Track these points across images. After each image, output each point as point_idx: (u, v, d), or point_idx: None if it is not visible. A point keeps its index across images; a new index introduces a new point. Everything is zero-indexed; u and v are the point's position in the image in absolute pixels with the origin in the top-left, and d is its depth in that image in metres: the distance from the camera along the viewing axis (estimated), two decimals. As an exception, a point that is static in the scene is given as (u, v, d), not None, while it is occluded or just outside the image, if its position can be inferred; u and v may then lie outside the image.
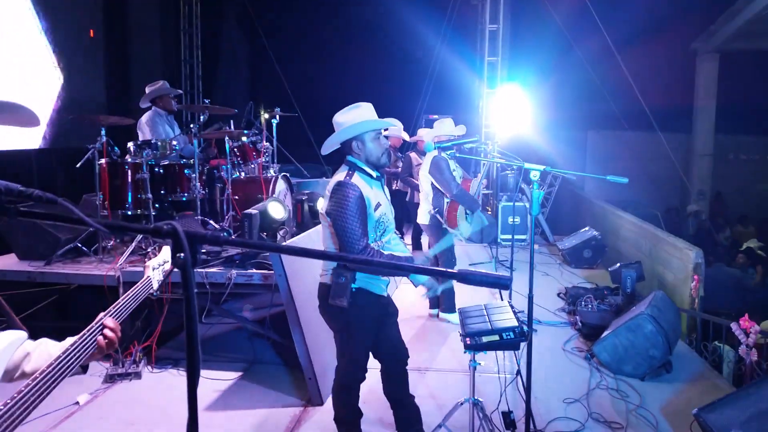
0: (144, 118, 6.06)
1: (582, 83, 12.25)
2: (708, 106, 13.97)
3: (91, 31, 8.44)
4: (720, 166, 14.46)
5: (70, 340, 1.57)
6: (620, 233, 8.67)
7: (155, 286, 2.03)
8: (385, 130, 3.38)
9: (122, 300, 1.79)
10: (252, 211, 4.78)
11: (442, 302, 5.79)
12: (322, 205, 3.03)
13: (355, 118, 2.99)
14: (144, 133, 5.96)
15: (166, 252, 2.15)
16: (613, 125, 13.04)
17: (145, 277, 2.01)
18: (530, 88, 10.03)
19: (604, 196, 11.09)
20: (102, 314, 1.67)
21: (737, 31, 12.13)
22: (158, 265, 2.09)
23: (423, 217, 5.58)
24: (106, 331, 1.63)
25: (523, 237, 9.15)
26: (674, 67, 14.34)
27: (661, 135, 11.05)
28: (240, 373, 4.57)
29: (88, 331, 1.59)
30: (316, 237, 4.94)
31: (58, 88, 7.64)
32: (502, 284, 1.17)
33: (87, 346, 1.56)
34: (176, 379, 4.43)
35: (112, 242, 5.12)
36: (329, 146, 3.05)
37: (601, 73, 11.53)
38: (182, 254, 1.06)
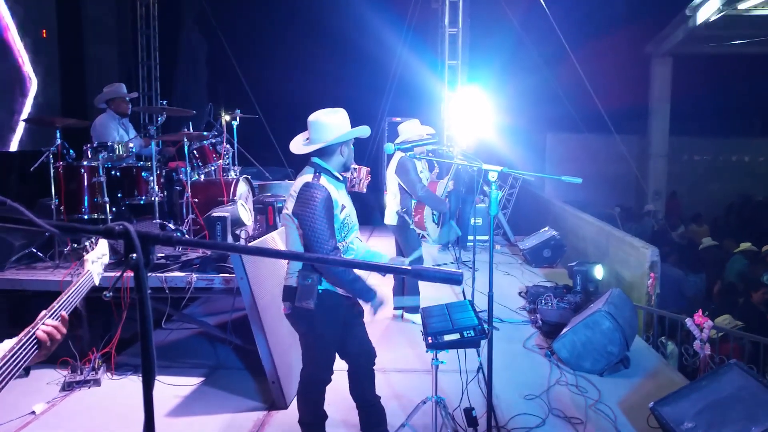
0: (97, 120, 5.97)
1: (540, 86, 12.48)
2: (662, 108, 14.40)
3: (44, 31, 8.22)
4: (674, 166, 14.92)
5: (9, 343, 1.54)
6: (579, 233, 8.84)
7: (96, 280, 1.98)
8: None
9: (64, 296, 1.73)
10: (223, 213, 4.58)
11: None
12: (286, 206, 2.99)
13: (344, 122, 3.01)
14: (96, 135, 5.86)
15: (103, 245, 2.10)
16: (571, 128, 13.32)
17: (85, 270, 1.96)
18: (490, 91, 10.15)
19: (563, 197, 11.29)
20: (44, 312, 1.64)
21: (688, 36, 12.52)
22: (97, 258, 2.05)
23: (390, 217, 5.56)
24: (44, 326, 1.59)
25: (485, 238, 9.24)
26: (629, 70, 14.74)
27: (617, 137, 11.31)
28: (202, 379, 4.51)
29: (26, 334, 1.55)
30: (278, 238, 4.92)
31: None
32: (454, 280, 1.20)
33: (28, 347, 1.53)
34: (136, 385, 4.35)
35: (68, 247, 5.00)
36: (315, 144, 2.97)
37: (558, 77, 11.76)
38: (134, 255, 1.06)
